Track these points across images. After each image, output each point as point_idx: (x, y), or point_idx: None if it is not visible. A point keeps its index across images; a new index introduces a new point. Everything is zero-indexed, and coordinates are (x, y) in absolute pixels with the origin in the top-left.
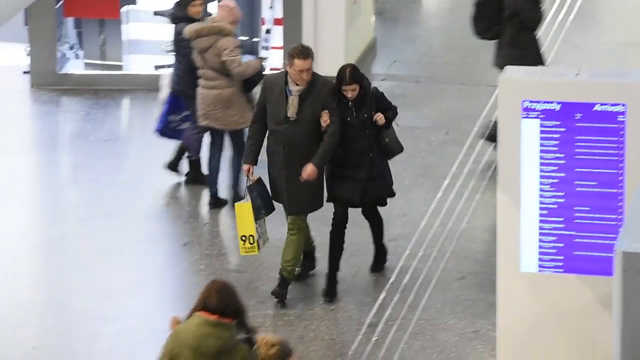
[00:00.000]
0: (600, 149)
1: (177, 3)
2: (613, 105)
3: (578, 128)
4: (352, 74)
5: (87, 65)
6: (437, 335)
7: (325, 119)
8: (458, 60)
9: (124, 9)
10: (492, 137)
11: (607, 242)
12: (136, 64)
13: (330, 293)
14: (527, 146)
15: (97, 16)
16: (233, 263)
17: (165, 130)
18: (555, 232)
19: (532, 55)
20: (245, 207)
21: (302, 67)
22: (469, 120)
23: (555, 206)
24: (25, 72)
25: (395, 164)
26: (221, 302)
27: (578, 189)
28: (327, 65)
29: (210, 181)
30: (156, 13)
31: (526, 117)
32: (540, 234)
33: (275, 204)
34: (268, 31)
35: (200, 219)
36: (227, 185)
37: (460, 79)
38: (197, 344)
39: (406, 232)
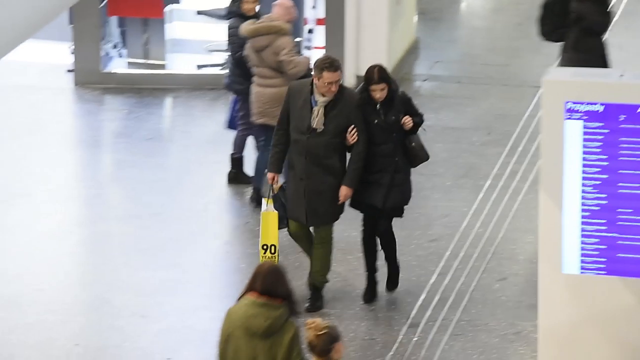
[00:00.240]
0: None
1: None
2: None
3: (622, 129)
4: (380, 73)
5: (131, 64)
6: (477, 337)
7: (352, 135)
8: (500, 61)
9: (167, 8)
10: None
11: None
12: (179, 63)
13: (370, 295)
14: (569, 148)
15: (141, 15)
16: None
17: (233, 124)
18: (598, 234)
19: (595, 60)
20: (271, 216)
21: (331, 80)
22: (511, 121)
23: (597, 208)
24: (69, 71)
25: (436, 165)
26: (269, 284)
27: (621, 190)
28: (369, 66)
29: (258, 177)
30: (199, 12)
31: (569, 119)
32: (583, 235)
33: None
34: (310, 31)
35: (242, 218)
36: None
37: (502, 80)
38: (247, 324)
39: (447, 232)
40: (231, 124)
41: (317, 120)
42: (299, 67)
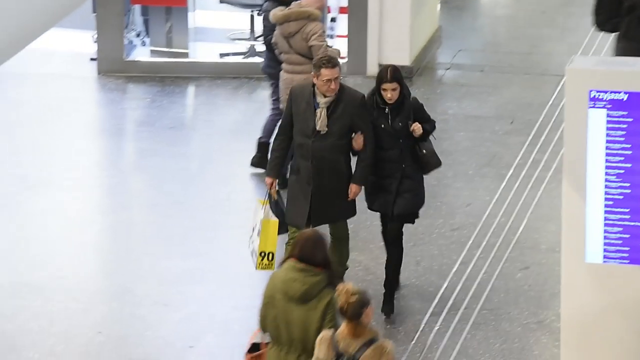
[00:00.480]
0: None
1: None
2: None
3: None
4: (393, 72)
5: (154, 52)
6: (500, 326)
7: (359, 142)
8: (523, 49)
9: None
10: None
11: None
12: (202, 52)
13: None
14: (593, 136)
15: (164, 4)
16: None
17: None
18: (621, 222)
19: None
20: (271, 224)
21: (330, 76)
22: (534, 109)
23: (621, 197)
24: (92, 59)
25: (459, 154)
26: (308, 250)
27: None
28: (392, 54)
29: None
30: (222, 1)
31: (593, 107)
32: (606, 224)
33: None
34: (333, 19)
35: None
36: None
37: (525, 68)
38: (285, 288)
39: (470, 221)
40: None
41: (320, 122)
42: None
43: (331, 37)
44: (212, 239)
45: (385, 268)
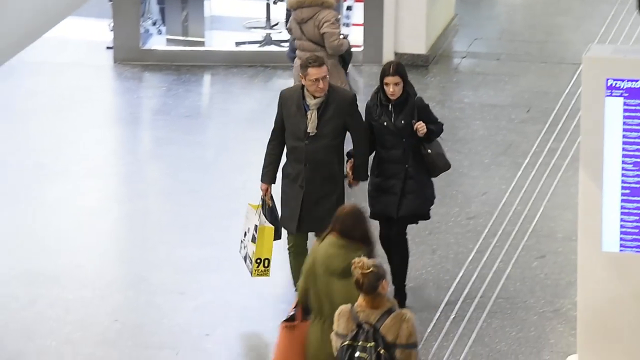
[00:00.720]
0: None
1: None
2: None
3: None
4: (396, 67)
5: (170, 41)
6: (516, 314)
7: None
8: (540, 38)
9: None
10: None
11: None
12: (218, 40)
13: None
14: (610, 125)
15: None
16: (312, 239)
17: None
18: (638, 211)
19: None
20: (267, 231)
21: (317, 76)
22: (551, 98)
23: (637, 185)
24: (108, 48)
25: (475, 142)
26: (347, 226)
27: None
28: (408, 43)
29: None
30: None
31: (610, 96)
32: (622, 213)
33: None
34: (349, 8)
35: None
36: None
37: (542, 57)
38: (326, 262)
39: (486, 210)
40: None
41: (310, 123)
42: (341, 42)
43: (347, 25)
44: (228, 227)
45: (392, 275)
